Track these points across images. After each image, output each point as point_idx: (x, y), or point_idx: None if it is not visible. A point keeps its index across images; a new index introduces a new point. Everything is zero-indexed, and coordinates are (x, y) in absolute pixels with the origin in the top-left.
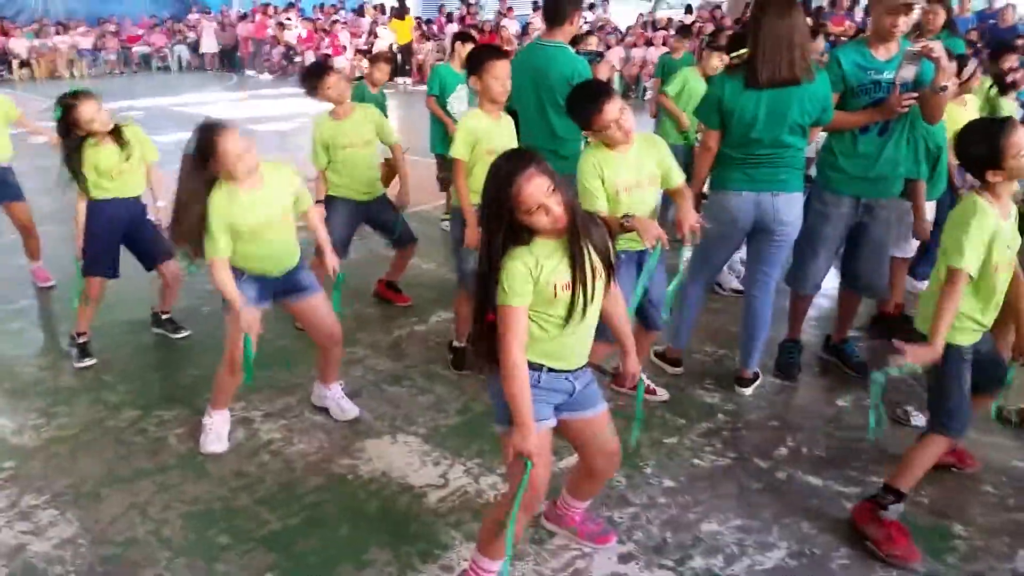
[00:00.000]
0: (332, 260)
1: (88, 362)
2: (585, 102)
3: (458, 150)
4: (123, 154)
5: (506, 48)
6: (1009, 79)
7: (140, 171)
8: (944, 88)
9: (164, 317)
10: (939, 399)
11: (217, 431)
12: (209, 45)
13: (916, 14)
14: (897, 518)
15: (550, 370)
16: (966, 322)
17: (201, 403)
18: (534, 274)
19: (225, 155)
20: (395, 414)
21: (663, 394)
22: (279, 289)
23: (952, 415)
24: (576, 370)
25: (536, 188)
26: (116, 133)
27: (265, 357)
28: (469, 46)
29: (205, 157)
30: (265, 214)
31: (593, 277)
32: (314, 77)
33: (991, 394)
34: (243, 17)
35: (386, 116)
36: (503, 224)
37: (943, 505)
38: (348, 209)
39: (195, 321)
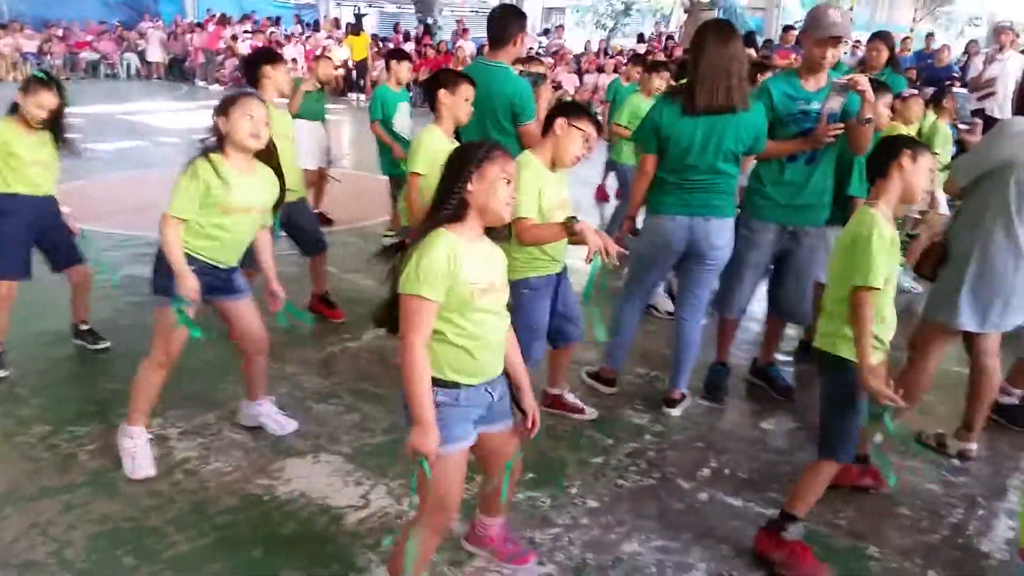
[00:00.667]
0: (279, 290)
1: (1, 374)
2: (582, 109)
3: (418, 164)
4: (46, 150)
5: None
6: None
7: (53, 171)
8: (870, 120)
9: (83, 328)
10: (834, 421)
11: (143, 452)
12: (155, 54)
13: (845, 47)
14: (798, 538)
15: (469, 386)
16: (850, 336)
17: (116, 419)
18: (451, 267)
19: (244, 109)
20: (319, 432)
21: (591, 413)
22: (215, 287)
23: (845, 438)
24: (494, 379)
25: (506, 168)
26: (52, 130)
27: (186, 372)
28: (404, 64)
29: (225, 108)
30: (246, 201)
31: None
32: (257, 65)
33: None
34: (196, 27)
35: (322, 118)
36: (454, 191)
37: (860, 527)
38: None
39: (115, 334)
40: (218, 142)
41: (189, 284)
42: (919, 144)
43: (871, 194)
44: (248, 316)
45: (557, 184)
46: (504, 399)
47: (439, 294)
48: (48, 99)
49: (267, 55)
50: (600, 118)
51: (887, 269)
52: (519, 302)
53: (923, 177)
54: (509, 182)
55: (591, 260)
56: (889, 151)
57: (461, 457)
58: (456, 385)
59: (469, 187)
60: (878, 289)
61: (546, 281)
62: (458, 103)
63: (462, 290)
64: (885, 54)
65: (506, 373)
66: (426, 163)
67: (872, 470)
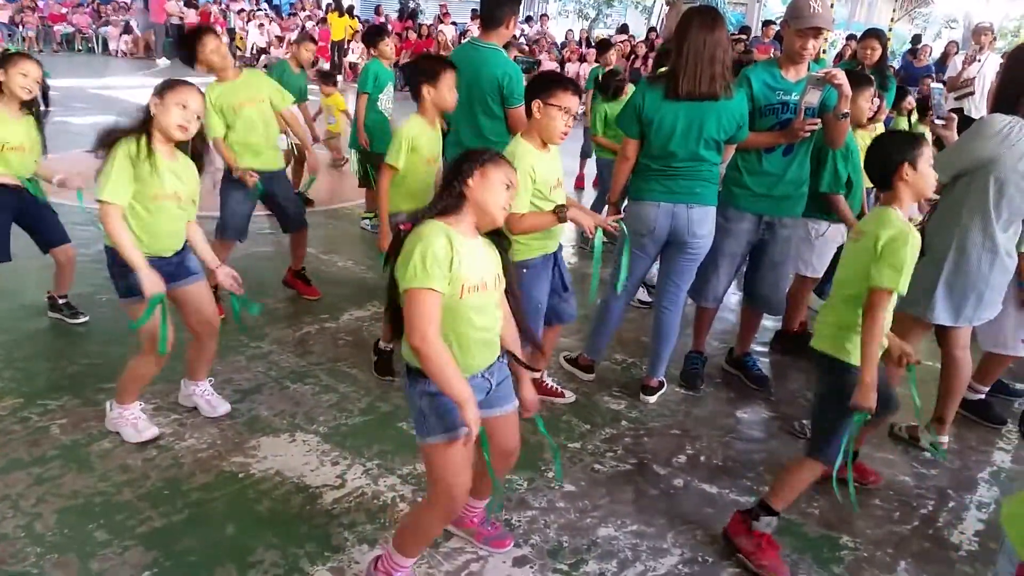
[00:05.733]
0: (225, 275)
1: None
2: (553, 81)
3: (394, 157)
4: (29, 135)
5: (442, 53)
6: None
7: (34, 155)
8: (846, 115)
9: (61, 302)
10: (823, 422)
11: (139, 416)
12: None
13: (825, 38)
14: (769, 532)
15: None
16: (857, 340)
17: (90, 393)
18: (450, 255)
19: (178, 98)
20: (295, 412)
21: (570, 396)
22: (169, 272)
23: (832, 440)
24: (491, 366)
25: (509, 175)
26: (29, 109)
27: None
28: (389, 41)
29: (161, 91)
30: (173, 188)
31: (500, 280)
32: (190, 43)
33: (876, 423)
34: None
35: (304, 98)
36: (453, 183)
37: (833, 517)
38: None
39: (91, 309)
40: (143, 124)
41: (152, 279)
42: (914, 143)
43: (884, 198)
44: (201, 299)
45: (552, 162)
46: (505, 383)
47: (445, 285)
48: (31, 69)
49: (203, 28)
50: (582, 108)
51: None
52: (520, 283)
53: (928, 177)
54: (509, 187)
55: (592, 236)
56: (887, 164)
57: (460, 446)
58: None
59: (470, 182)
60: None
61: (543, 260)
62: (441, 95)
63: (453, 284)
64: (879, 52)
65: (505, 356)
66: (402, 155)
67: (856, 465)
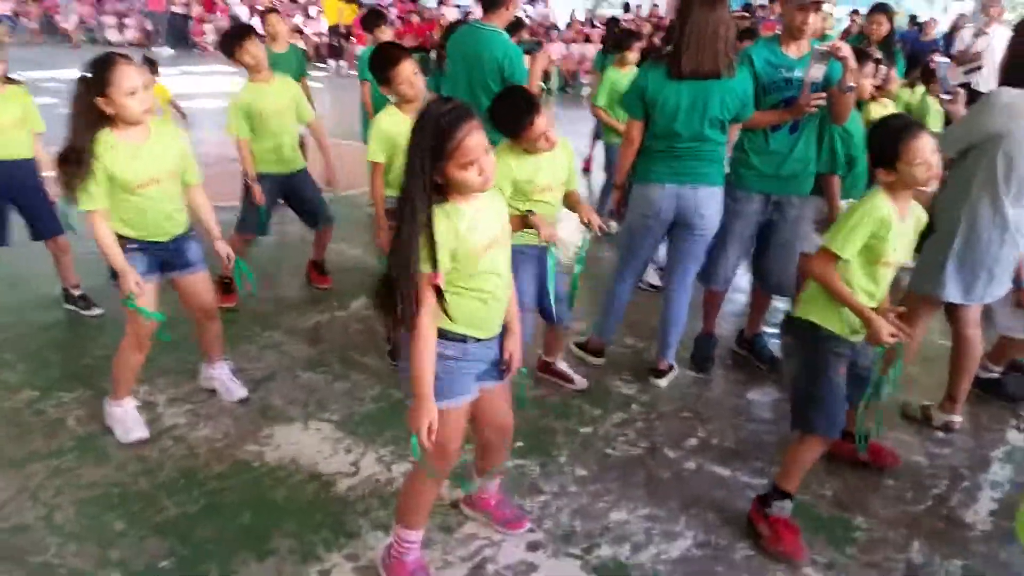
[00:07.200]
0: (223, 248)
1: None
2: (515, 115)
3: (374, 153)
4: (8, 111)
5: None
6: (932, 66)
7: (22, 133)
8: (851, 88)
9: (76, 293)
10: (805, 391)
11: (133, 416)
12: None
13: (826, 11)
14: (785, 515)
15: (476, 340)
16: (842, 311)
17: (105, 384)
18: (451, 236)
19: (118, 87)
20: (308, 400)
21: (581, 382)
22: (167, 260)
23: (820, 409)
24: (493, 338)
25: (478, 142)
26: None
27: (174, 340)
28: (386, 30)
29: (97, 89)
30: (148, 170)
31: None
32: (235, 38)
33: (854, 404)
34: None
35: (305, 66)
36: (427, 176)
37: (846, 498)
38: (267, 183)
39: (106, 300)
40: (95, 124)
41: (129, 281)
42: (913, 129)
43: (881, 177)
44: (198, 287)
45: (545, 166)
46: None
47: (446, 263)
48: None
49: (247, 27)
50: (589, 89)
51: (885, 249)
52: None
53: (920, 169)
54: (473, 163)
55: (547, 244)
56: (899, 137)
57: (462, 411)
58: (464, 339)
59: (449, 170)
60: (839, 258)
61: (524, 250)
62: (397, 91)
63: (467, 248)
64: (886, 27)
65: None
66: (382, 150)
67: (873, 447)
